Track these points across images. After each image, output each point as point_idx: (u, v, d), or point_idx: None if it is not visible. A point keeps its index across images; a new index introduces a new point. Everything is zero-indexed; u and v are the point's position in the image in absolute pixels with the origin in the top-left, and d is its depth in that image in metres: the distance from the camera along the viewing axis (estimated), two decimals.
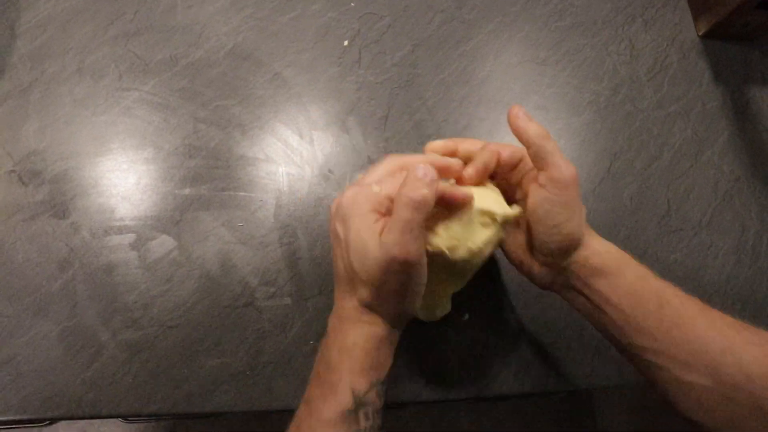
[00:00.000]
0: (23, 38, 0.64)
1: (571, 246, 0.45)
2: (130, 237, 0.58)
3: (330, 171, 0.63)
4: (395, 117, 0.66)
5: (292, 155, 0.63)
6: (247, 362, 0.56)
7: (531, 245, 0.48)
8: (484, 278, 0.60)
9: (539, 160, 0.45)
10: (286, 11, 0.69)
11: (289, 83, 0.66)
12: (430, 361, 0.57)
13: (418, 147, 0.64)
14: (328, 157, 0.63)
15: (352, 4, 0.71)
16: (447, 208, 0.45)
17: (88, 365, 0.54)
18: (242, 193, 0.61)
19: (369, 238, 0.41)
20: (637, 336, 0.44)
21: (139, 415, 0.54)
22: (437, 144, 0.50)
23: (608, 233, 0.63)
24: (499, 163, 0.49)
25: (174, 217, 0.59)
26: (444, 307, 0.54)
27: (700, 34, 0.75)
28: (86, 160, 0.61)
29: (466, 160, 0.49)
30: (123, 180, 0.60)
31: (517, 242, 0.50)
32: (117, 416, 0.54)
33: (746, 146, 0.70)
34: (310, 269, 0.59)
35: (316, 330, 0.57)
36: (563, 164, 0.44)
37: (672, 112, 0.71)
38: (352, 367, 0.42)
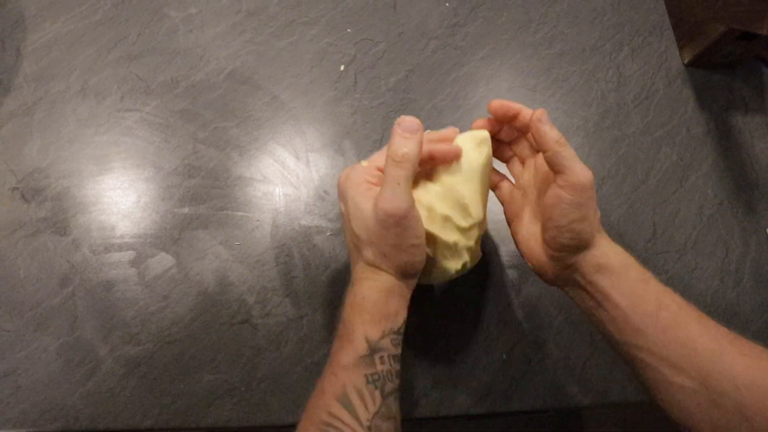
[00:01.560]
0: (29, 59, 0.66)
1: (580, 244, 0.47)
2: (129, 254, 0.60)
3: (325, 192, 0.64)
4: (388, 140, 0.68)
5: (289, 176, 0.65)
6: (243, 378, 0.57)
7: (543, 239, 0.50)
8: (472, 297, 0.62)
9: (556, 165, 0.47)
10: (284, 36, 0.72)
11: (286, 106, 0.68)
12: (422, 378, 0.59)
13: None
14: (323, 178, 0.65)
15: (349, 30, 0.73)
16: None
17: (87, 379, 0.55)
18: (240, 213, 0.62)
19: (363, 203, 0.46)
20: (632, 334, 0.46)
21: (137, 430, 0.55)
22: (500, 105, 0.52)
23: None
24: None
25: (173, 236, 0.61)
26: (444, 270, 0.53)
27: (685, 62, 0.78)
28: (88, 178, 0.62)
29: (525, 130, 0.53)
30: (123, 198, 0.62)
31: (530, 233, 0.52)
32: (115, 431, 0.55)
33: (729, 171, 0.72)
34: (305, 288, 0.60)
35: (311, 347, 0.58)
36: (580, 169, 0.46)
37: (658, 137, 0.73)
38: (363, 318, 0.45)
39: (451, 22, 0.76)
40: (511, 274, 0.64)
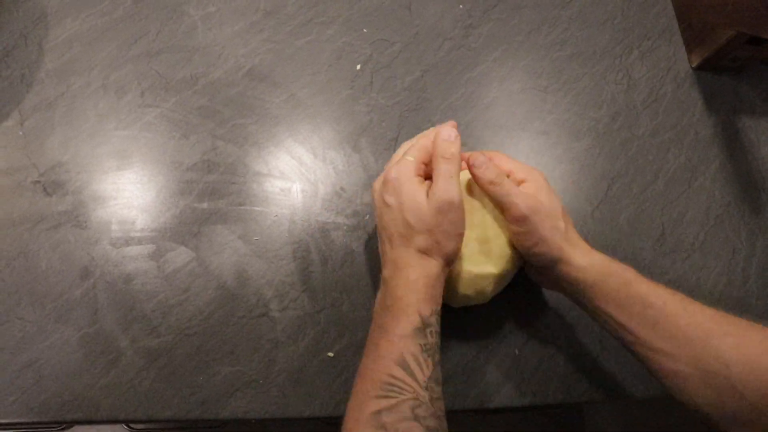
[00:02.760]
0: (50, 54, 0.67)
1: (549, 263, 0.53)
2: (149, 248, 0.61)
3: (342, 189, 0.65)
4: (405, 138, 0.68)
5: (306, 173, 0.66)
6: (261, 371, 0.58)
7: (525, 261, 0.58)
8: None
9: (498, 203, 0.54)
10: (301, 35, 0.73)
11: (303, 104, 0.69)
12: None
13: None
14: (340, 175, 0.66)
15: (365, 30, 0.74)
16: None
17: (107, 371, 0.56)
18: (258, 208, 0.63)
19: (420, 195, 0.51)
20: (624, 332, 0.51)
21: (156, 420, 0.55)
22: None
23: (606, 254, 0.66)
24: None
25: (192, 230, 0.62)
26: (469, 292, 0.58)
27: (693, 66, 0.79)
28: (108, 172, 0.63)
29: None
30: (143, 193, 0.63)
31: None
32: (135, 421, 0.56)
33: (736, 173, 0.74)
34: (323, 283, 0.61)
35: (328, 341, 0.59)
36: (518, 202, 0.52)
37: (666, 139, 0.74)
38: (418, 296, 0.49)
39: (465, 24, 0.77)
40: (523, 272, 0.65)
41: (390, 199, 0.52)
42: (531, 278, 0.61)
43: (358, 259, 0.63)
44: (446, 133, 0.52)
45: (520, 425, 1.44)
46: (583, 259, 0.53)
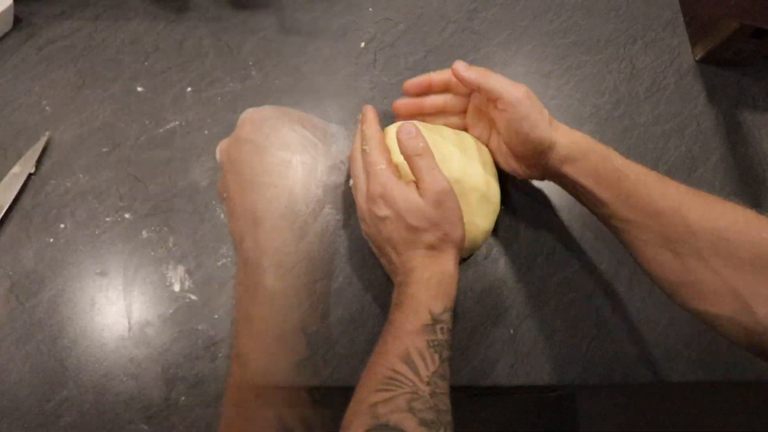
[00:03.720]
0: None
1: (543, 148, 0.54)
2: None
3: (342, 162, 0.65)
4: None
5: (307, 146, 0.66)
6: None
7: (515, 157, 0.58)
8: (480, 273, 0.63)
9: (491, 95, 0.55)
10: (306, 12, 0.73)
11: (306, 78, 0.69)
12: None
13: None
14: (342, 149, 0.66)
15: (370, 9, 0.74)
16: None
17: None
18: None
19: (413, 197, 0.51)
20: (601, 206, 0.54)
21: None
22: (413, 82, 0.62)
23: (607, 242, 0.66)
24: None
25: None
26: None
27: (697, 58, 0.79)
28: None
29: (445, 88, 0.62)
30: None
31: (504, 157, 0.60)
32: None
33: (737, 165, 0.74)
34: (320, 254, 0.61)
35: (322, 312, 0.59)
36: (510, 88, 0.54)
37: (668, 129, 0.74)
38: (429, 293, 0.50)
39: (470, 8, 0.77)
40: (520, 251, 0.65)
41: (384, 212, 0.52)
42: (517, 176, 0.60)
43: (354, 234, 0.63)
44: (406, 131, 0.53)
45: (516, 421, 1.43)
46: (566, 138, 0.54)
